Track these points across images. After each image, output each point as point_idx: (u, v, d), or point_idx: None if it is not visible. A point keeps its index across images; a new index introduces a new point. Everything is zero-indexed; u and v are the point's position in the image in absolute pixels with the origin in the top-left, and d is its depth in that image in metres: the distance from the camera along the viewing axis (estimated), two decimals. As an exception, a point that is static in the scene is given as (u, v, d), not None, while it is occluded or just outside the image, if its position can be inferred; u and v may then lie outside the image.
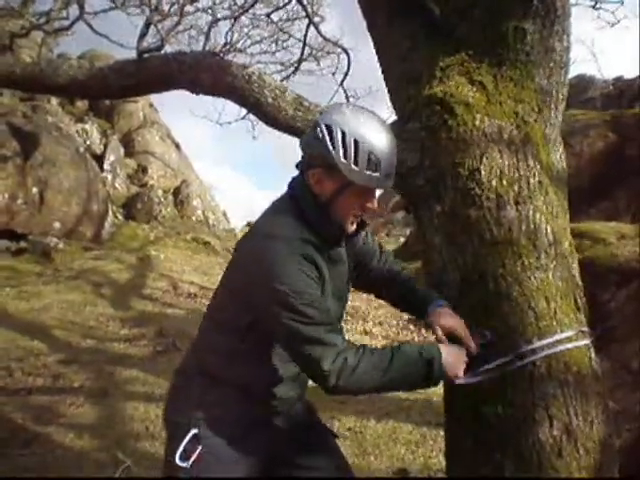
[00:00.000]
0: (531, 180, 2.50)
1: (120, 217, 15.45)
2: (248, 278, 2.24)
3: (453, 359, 2.25)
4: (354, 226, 2.35)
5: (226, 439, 2.33)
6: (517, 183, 2.48)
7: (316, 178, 2.24)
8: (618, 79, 22.58)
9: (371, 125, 2.20)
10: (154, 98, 20.84)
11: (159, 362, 6.86)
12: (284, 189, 2.37)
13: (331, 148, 2.17)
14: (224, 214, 21.48)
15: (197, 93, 4.57)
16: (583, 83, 23.39)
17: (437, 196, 2.57)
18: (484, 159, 2.49)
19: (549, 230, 2.47)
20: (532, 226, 2.44)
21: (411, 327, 8.51)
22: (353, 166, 2.16)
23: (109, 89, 5.12)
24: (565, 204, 2.70)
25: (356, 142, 2.15)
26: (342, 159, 2.16)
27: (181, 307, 9.43)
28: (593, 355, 2.46)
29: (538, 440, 2.27)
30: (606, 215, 10.32)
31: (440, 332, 2.32)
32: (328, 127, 2.18)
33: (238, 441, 2.34)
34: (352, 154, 2.15)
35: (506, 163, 2.49)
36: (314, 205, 2.26)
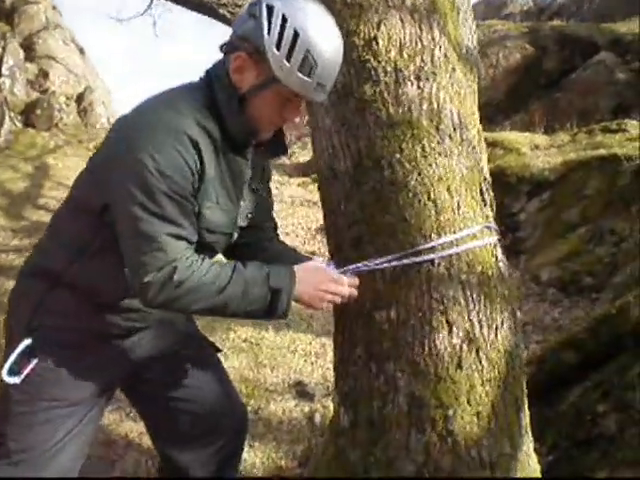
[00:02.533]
0: (436, 53, 2.14)
1: (18, 124, 14.53)
2: (115, 146, 1.84)
3: (310, 290, 1.95)
4: (269, 134, 1.97)
5: (69, 352, 1.96)
6: (419, 56, 2.12)
7: (238, 63, 1.83)
8: (538, -4, 22.42)
9: (321, 22, 1.80)
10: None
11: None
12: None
13: (265, 31, 1.76)
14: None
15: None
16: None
17: (328, 71, 2.20)
18: (382, 27, 2.10)
19: (454, 112, 2.14)
20: (435, 106, 2.10)
21: (318, 237, 8.22)
22: (284, 61, 1.77)
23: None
24: (474, 87, 2.37)
25: (296, 34, 1.75)
26: (274, 48, 1.76)
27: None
28: (500, 255, 2.18)
29: (435, 349, 2.00)
30: (521, 128, 10.22)
31: None
32: (269, 7, 1.77)
33: (84, 355, 1.99)
34: (287, 46, 1.76)
35: (407, 32, 2.12)
36: (228, 94, 1.85)
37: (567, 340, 3.46)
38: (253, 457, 3.31)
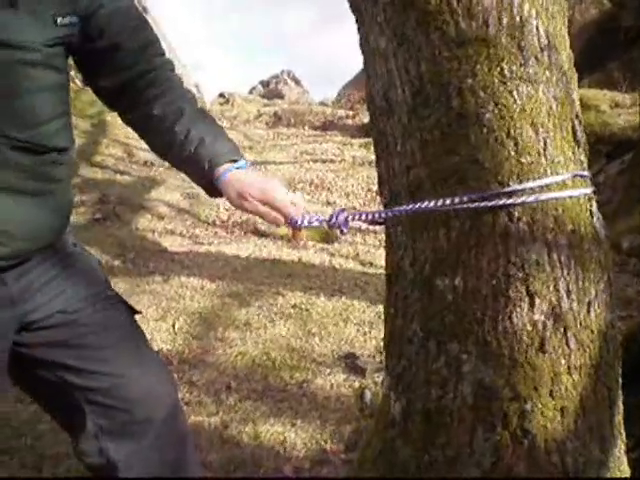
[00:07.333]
0: (518, -47, 1.69)
1: (79, 83, 14.44)
2: None
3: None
4: None
5: None
6: (498, -44, 1.67)
7: None
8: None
9: None
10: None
11: (95, 230, 6.27)
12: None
13: None
14: (196, 86, 20.48)
15: None
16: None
17: (384, -21, 1.76)
18: None
19: (542, 29, 1.69)
20: (517, 19, 1.65)
21: (378, 199, 7.80)
22: None
23: None
24: (565, 9, 1.90)
25: None
26: None
27: (133, 175, 8.76)
28: (595, 209, 1.74)
29: (512, 326, 1.58)
30: (599, 87, 9.59)
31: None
32: None
33: None
34: None
35: None
36: None
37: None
38: (294, 437, 2.95)
